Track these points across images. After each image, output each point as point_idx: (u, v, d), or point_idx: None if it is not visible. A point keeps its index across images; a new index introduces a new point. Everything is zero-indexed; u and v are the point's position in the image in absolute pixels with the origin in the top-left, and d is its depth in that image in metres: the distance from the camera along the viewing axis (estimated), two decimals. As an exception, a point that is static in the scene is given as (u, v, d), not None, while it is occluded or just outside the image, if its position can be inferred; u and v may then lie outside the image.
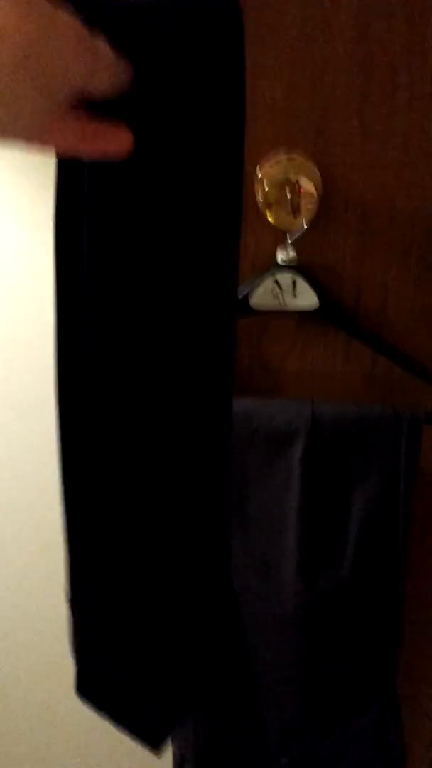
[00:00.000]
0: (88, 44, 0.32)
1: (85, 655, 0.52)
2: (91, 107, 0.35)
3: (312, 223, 0.76)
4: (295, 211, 0.71)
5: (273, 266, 0.77)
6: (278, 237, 0.77)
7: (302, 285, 0.77)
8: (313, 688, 0.83)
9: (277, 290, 0.77)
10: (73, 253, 0.42)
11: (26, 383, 0.96)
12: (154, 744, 0.65)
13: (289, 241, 0.76)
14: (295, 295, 0.78)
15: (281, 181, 0.71)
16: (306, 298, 0.78)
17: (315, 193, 0.71)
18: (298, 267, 0.77)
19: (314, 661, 0.83)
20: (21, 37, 0.28)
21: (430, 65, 0.74)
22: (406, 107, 0.75)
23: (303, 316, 0.82)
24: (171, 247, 0.42)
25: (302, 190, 0.71)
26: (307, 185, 0.71)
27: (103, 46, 0.33)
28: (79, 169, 0.39)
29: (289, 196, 0.71)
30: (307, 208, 0.71)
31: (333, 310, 0.81)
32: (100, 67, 0.33)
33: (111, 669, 0.53)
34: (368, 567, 0.80)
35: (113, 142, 0.37)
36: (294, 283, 0.77)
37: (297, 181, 0.71)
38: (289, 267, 0.77)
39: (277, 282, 0.77)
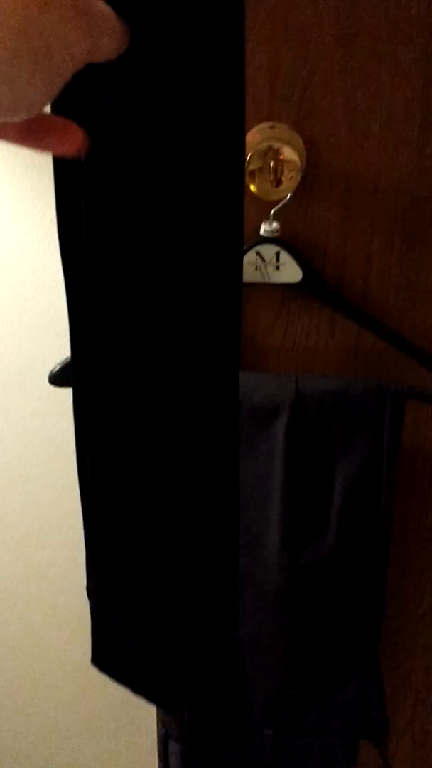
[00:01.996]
0: (89, 17, 0.30)
1: (101, 624, 0.52)
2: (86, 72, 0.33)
3: (295, 195, 0.75)
4: (278, 180, 0.70)
5: (256, 238, 0.76)
6: (261, 209, 0.76)
7: (285, 257, 0.76)
8: (296, 660, 0.84)
9: (260, 263, 0.76)
10: (77, 232, 0.40)
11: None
12: (171, 710, 0.65)
13: (272, 212, 0.75)
14: (278, 268, 0.77)
15: (263, 150, 0.70)
16: (289, 271, 0.77)
17: (298, 161, 0.70)
18: (281, 239, 0.76)
19: (298, 634, 0.83)
20: (19, 13, 0.27)
21: (415, 39, 0.73)
22: (389, 77, 0.74)
23: (286, 289, 0.81)
24: (173, 217, 0.40)
25: (284, 158, 0.69)
26: (290, 154, 0.70)
27: (104, 11, 0.32)
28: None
29: (271, 164, 0.69)
30: (290, 176, 0.70)
31: (317, 284, 0.80)
32: (104, 34, 0.32)
33: (126, 638, 0.52)
34: (351, 541, 0.80)
35: (63, 141, 0.35)
36: (277, 255, 0.76)
37: (279, 149, 0.69)
38: (272, 239, 0.76)
39: (259, 254, 0.76)
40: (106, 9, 0.32)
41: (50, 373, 0.81)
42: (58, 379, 0.80)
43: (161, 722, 0.92)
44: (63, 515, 1.03)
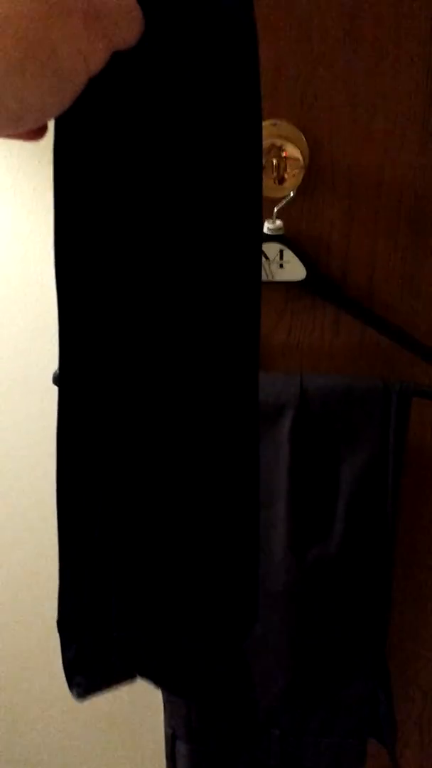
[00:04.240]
0: (102, 18, 0.30)
1: (119, 613, 0.51)
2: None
3: (298, 193, 0.75)
4: (281, 177, 0.69)
5: (259, 236, 0.76)
6: (264, 207, 0.76)
7: (289, 255, 0.76)
8: (303, 660, 0.83)
9: (264, 261, 0.76)
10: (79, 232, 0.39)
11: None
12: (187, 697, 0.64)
13: (276, 210, 0.75)
14: (282, 266, 0.77)
15: (266, 147, 0.70)
16: (293, 268, 0.77)
17: (301, 159, 0.70)
18: (284, 237, 0.76)
19: (304, 634, 0.82)
20: (23, 22, 0.26)
21: (417, 34, 0.72)
22: (392, 73, 0.74)
23: (290, 287, 0.80)
24: (190, 212, 0.39)
25: (287, 156, 0.69)
26: (293, 151, 0.69)
27: (118, 4, 0.31)
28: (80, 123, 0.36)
29: (274, 162, 0.69)
30: (293, 174, 0.70)
31: (320, 281, 0.80)
32: (122, 29, 0.31)
33: (144, 624, 0.52)
34: (357, 540, 0.80)
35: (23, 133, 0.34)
36: (281, 253, 0.76)
37: (282, 147, 0.69)
38: (275, 237, 0.75)
39: (263, 252, 0.76)
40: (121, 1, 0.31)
41: (55, 373, 0.80)
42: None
43: (168, 723, 0.92)
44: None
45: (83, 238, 0.39)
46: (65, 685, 0.57)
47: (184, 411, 0.45)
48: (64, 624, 0.49)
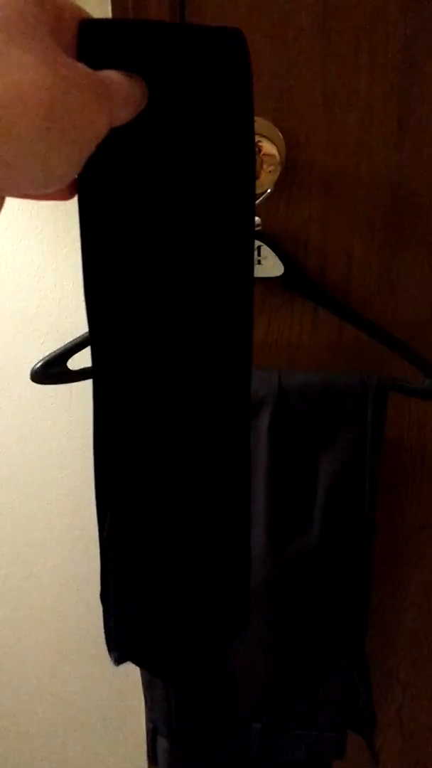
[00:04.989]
0: (105, 96, 0.33)
1: (116, 609, 0.52)
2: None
3: (275, 189, 0.75)
4: (257, 174, 0.70)
5: (237, 233, 0.76)
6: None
7: (266, 252, 0.76)
8: (283, 654, 0.84)
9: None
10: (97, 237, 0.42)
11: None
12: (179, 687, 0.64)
13: (253, 207, 0.75)
14: (259, 263, 0.77)
15: (243, 144, 0.70)
16: (271, 265, 0.77)
17: (277, 155, 0.70)
18: (262, 233, 0.76)
19: (284, 629, 0.83)
20: (48, 92, 0.29)
21: (392, 29, 0.73)
22: (368, 71, 0.74)
23: (268, 283, 0.81)
24: (185, 215, 0.42)
25: (264, 152, 0.69)
26: (269, 148, 0.70)
27: (118, 85, 0.35)
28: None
29: (250, 158, 0.69)
30: (269, 170, 0.70)
31: (298, 278, 0.80)
32: (119, 106, 0.35)
33: (140, 620, 0.53)
34: (336, 533, 0.80)
35: (57, 194, 0.39)
36: (258, 249, 0.76)
37: (258, 144, 0.69)
38: (253, 233, 0.75)
39: (241, 249, 0.76)
40: (120, 82, 0.35)
41: (32, 369, 0.80)
42: (39, 376, 0.80)
43: (149, 718, 0.92)
44: (61, 510, 1.03)
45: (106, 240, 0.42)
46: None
47: (181, 403, 0.46)
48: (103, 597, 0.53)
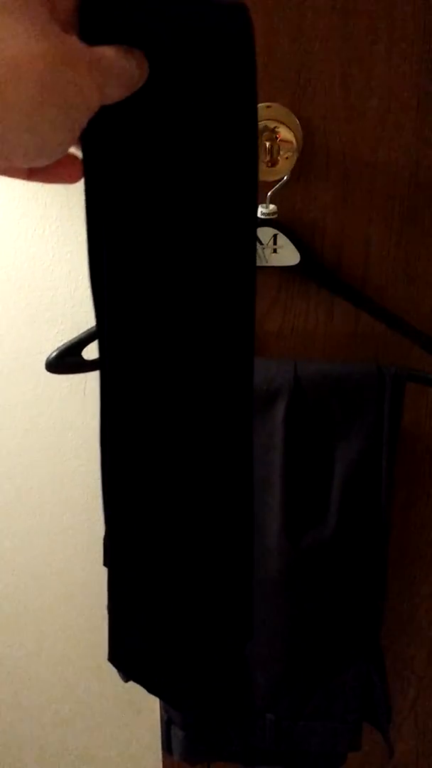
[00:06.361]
0: (98, 69, 0.33)
1: (118, 622, 0.52)
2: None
3: (292, 176, 0.74)
4: (274, 160, 0.69)
5: (252, 221, 0.75)
6: (258, 190, 0.75)
7: (283, 240, 0.75)
8: (298, 646, 0.84)
9: (258, 246, 0.75)
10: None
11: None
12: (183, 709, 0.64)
13: (269, 194, 0.74)
14: (275, 251, 0.76)
15: (259, 130, 0.69)
16: (287, 253, 0.76)
17: (294, 142, 0.69)
18: (278, 221, 0.75)
19: (299, 619, 0.83)
20: (41, 67, 0.30)
21: (411, 14, 0.71)
22: (386, 57, 0.73)
23: (284, 272, 0.80)
24: (188, 195, 0.41)
25: (281, 138, 0.68)
26: (286, 134, 0.69)
27: (111, 61, 0.34)
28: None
29: (267, 144, 0.68)
30: (286, 156, 0.69)
31: (315, 267, 0.79)
32: (111, 83, 0.34)
33: (142, 636, 0.52)
34: (352, 525, 0.80)
35: (70, 173, 0.39)
36: (274, 238, 0.75)
37: (275, 129, 0.68)
38: (269, 221, 0.75)
39: (257, 237, 0.75)
40: (115, 58, 0.34)
41: (47, 359, 0.80)
42: (54, 366, 0.80)
43: (164, 708, 0.92)
44: (61, 504, 1.03)
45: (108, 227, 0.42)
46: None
47: (182, 397, 0.45)
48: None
